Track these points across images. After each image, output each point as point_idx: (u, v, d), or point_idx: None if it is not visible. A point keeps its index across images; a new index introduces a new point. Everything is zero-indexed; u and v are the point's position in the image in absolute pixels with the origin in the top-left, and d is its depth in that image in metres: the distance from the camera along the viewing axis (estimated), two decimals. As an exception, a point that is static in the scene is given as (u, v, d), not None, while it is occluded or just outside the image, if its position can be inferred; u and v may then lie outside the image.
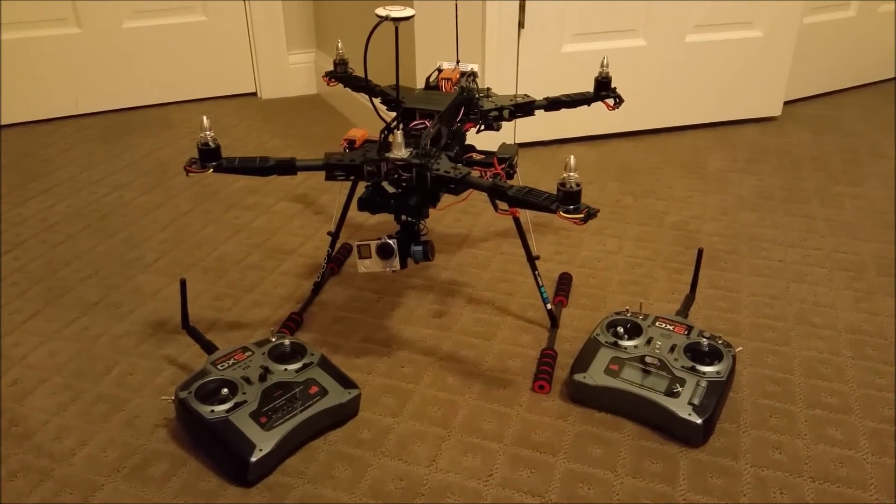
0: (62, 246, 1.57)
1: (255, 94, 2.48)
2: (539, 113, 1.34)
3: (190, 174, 1.04)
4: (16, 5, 2.10)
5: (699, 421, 1.03)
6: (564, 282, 1.42)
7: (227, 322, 1.33)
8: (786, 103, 2.25)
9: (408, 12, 0.97)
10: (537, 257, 1.29)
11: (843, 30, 2.34)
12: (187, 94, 2.39)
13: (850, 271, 1.49)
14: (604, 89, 1.35)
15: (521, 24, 1.87)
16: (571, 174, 0.94)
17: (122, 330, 1.31)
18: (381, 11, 0.97)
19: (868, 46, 2.45)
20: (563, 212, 0.94)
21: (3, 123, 2.19)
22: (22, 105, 2.20)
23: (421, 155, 1.07)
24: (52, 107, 2.24)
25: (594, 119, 2.01)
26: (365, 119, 2.10)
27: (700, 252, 1.23)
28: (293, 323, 1.30)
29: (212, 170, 1.04)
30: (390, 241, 1.08)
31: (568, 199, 0.94)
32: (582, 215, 0.94)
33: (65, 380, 1.19)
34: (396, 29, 0.99)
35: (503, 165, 1.15)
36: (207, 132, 1.03)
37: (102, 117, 2.28)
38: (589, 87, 1.38)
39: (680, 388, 1.07)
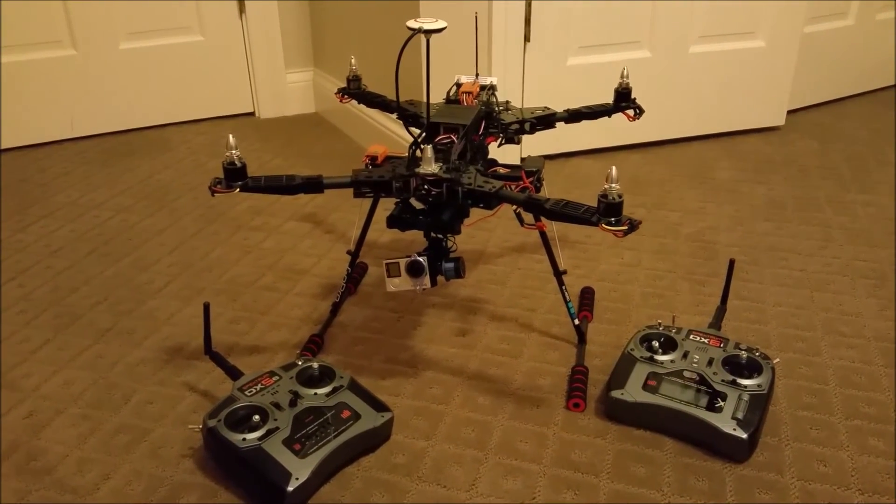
0: (68, 272, 1.53)
1: (253, 113, 2.45)
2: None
3: (216, 194, 1.00)
4: (10, 27, 2.05)
5: (744, 436, 1.01)
6: (587, 296, 1.39)
7: (246, 346, 1.29)
8: (788, 112, 2.25)
9: (440, 24, 0.95)
10: (564, 272, 1.26)
11: (843, 38, 2.35)
12: (185, 114, 2.36)
13: (872, 279, 1.47)
14: (624, 100, 1.33)
15: (526, 38, 1.86)
16: (613, 185, 0.91)
17: (138, 357, 1.27)
18: (412, 23, 0.94)
19: (867, 54, 2.46)
20: (605, 224, 0.92)
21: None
22: (17, 128, 2.15)
23: (451, 170, 1.04)
24: (47, 130, 2.19)
25: (599, 132, 1.99)
26: (366, 136, 2.08)
27: (732, 263, 1.21)
28: (314, 345, 1.27)
29: (238, 189, 1.01)
30: (420, 259, 1.05)
31: (610, 210, 0.92)
32: (625, 227, 0.91)
33: (82, 410, 1.14)
34: (427, 41, 0.97)
35: (531, 178, 1.13)
36: (234, 151, 1.00)
37: (99, 140, 2.23)
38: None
39: (722, 403, 1.04)
